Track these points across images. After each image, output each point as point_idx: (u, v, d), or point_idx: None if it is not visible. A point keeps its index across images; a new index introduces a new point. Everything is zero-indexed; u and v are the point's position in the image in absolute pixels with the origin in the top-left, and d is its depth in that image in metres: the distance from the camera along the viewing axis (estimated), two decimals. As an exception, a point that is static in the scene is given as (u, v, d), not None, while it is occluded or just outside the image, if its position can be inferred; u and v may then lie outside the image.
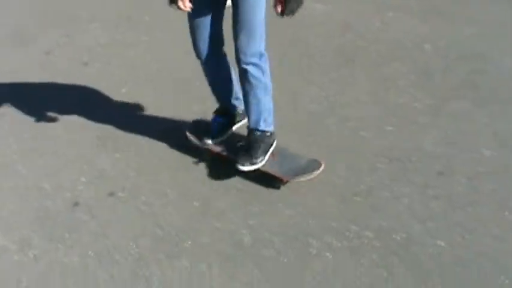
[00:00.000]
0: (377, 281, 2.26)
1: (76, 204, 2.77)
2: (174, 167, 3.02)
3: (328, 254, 2.40)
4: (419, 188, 2.73)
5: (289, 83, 3.66)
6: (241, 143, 2.87)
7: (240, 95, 2.88)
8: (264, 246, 2.46)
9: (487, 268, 2.28)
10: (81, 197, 2.82)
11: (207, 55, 2.75)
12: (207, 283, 2.30)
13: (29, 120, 3.42)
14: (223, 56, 2.83)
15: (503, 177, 2.80)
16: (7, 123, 3.44)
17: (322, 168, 2.76)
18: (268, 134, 2.80)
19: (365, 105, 3.43)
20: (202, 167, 2.99)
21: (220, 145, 2.94)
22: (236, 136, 2.98)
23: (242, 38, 2.55)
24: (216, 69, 2.85)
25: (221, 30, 2.72)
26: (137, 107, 3.53)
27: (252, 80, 2.65)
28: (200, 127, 3.05)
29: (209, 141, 2.94)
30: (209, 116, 3.01)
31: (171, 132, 3.25)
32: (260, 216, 2.64)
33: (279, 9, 2.46)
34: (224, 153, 2.91)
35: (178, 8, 2.51)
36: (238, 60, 2.62)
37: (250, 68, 2.62)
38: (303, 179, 2.73)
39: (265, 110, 2.76)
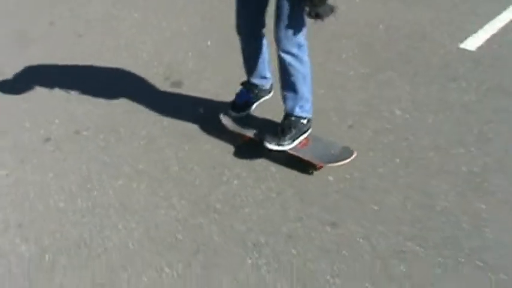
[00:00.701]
0: (267, 199, 2.80)
1: (47, 139, 3.39)
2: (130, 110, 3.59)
3: (236, 181, 2.95)
4: (330, 138, 3.15)
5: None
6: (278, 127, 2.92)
7: (268, 75, 3.05)
8: (186, 173, 3.03)
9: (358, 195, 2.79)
10: (53, 134, 3.44)
11: (246, 33, 2.88)
12: (135, 196, 2.88)
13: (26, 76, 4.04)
14: (261, 37, 2.90)
15: (404, 133, 3.25)
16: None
17: (354, 156, 2.88)
18: (304, 121, 2.87)
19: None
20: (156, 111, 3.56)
21: (255, 130, 3.06)
22: (271, 122, 3.10)
23: (281, 26, 2.58)
24: (251, 47, 2.93)
25: (265, 12, 2.78)
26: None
27: (289, 68, 2.70)
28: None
29: (232, 112, 3.12)
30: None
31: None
32: (189, 151, 3.20)
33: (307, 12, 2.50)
34: (257, 138, 3.01)
35: None
36: (277, 48, 2.66)
37: (287, 57, 2.66)
38: (335, 164, 2.85)
39: (302, 99, 2.82)
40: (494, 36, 4.27)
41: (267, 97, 3.15)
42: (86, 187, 2.97)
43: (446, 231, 2.57)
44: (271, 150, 2.87)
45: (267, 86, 3.13)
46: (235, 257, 2.49)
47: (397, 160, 3.02)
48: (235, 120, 3.15)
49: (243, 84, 3.13)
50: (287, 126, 2.85)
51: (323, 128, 3.18)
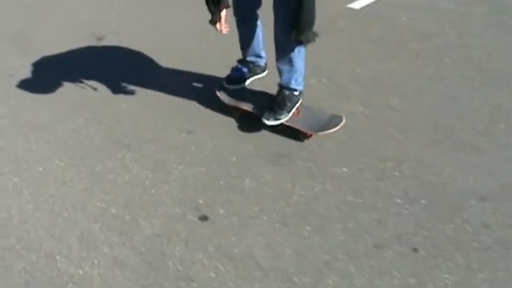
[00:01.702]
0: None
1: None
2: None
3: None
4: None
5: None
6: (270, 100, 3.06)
7: (262, 54, 3.17)
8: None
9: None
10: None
11: (242, 15, 3.00)
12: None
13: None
14: (256, 18, 3.02)
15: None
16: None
17: (343, 123, 2.99)
18: (297, 93, 3.00)
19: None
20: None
21: (250, 103, 3.17)
22: (265, 95, 3.23)
23: (280, 6, 2.71)
24: (246, 27, 3.05)
25: (260, 2, 2.93)
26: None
27: (285, 43, 2.80)
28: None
29: (227, 86, 3.21)
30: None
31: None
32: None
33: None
34: (253, 111, 3.13)
35: (216, 29, 2.84)
36: (275, 26, 2.78)
37: (284, 35, 2.73)
38: (325, 132, 2.96)
39: (297, 71, 2.94)
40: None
41: (261, 75, 3.26)
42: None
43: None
44: (270, 126, 2.99)
45: (262, 64, 3.24)
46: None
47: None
48: (230, 94, 3.23)
49: (238, 61, 3.23)
50: (282, 100, 2.97)
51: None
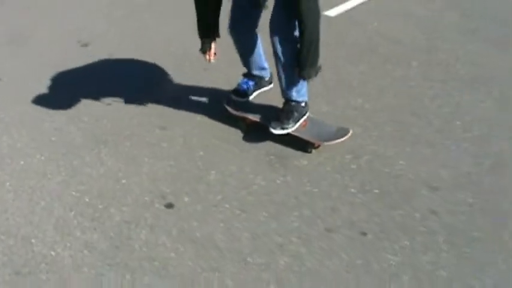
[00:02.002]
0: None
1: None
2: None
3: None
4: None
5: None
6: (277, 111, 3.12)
7: (266, 65, 3.24)
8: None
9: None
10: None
11: (242, 30, 3.04)
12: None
13: None
14: (256, 32, 3.09)
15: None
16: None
17: (350, 134, 3.06)
18: (303, 104, 3.05)
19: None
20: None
21: (257, 114, 3.24)
22: (272, 107, 3.28)
23: (278, 18, 2.79)
24: (248, 42, 3.11)
25: (258, 7, 2.96)
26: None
27: (284, 56, 2.86)
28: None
29: (234, 98, 3.30)
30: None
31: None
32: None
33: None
34: (260, 120, 3.21)
35: (205, 58, 3.04)
36: (272, 37, 2.83)
37: (282, 46, 2.82)
38: (332, 142, 3.04)
39: (298, 83, 2.97)
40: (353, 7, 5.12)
41: (267, 88, 3.37)
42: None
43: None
44: (277, 134, 3.06)
45: (267, 76, 3.34)
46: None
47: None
48: (238, 105, 3.33)
49: (244, 74, 3.33)
50: (289, 110, 3.03)
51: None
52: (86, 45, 4.59)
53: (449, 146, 3.16)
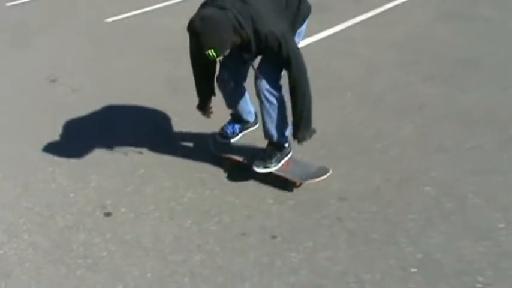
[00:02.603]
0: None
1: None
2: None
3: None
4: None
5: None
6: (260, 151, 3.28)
7: (252, 109, 3.35)
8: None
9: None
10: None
11: (231, 84, 3.14)
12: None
13: None
14: (242, 87, 3.24)
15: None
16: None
17: (329, 173, 3.24)
18: (286, 145, 3.20)
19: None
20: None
21: (241, 154, 3.41)
22: (256, 148, 3.47)
23: (266, 67, 2.94)
24: (236, 94, 3.26)
25: (247, 71, 3.15)
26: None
27: (267, 103, 2.98)
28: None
29: (219, 139, 3.45)
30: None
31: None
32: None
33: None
34: (243, 161, 3.38)
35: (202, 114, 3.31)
36: (257, 84, 2.95)
37: (266, 94, 2.95)
38: (312, 181, 3.23)
39: (281, 126, 3.11)
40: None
41: (253, 128, 3.50)
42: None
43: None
44: (259, 173, 3.21)
45: (252, 118, 3.47)
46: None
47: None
48: (223, 146, 3.52)
49: (232, 115, 3.46)
50: (272, 151, 3.18)
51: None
52: (54, 80, 5.07)
53: (366, 165, 3.55)
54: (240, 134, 3.49)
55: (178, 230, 3.02)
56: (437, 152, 3.64)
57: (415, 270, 2.65)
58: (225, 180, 3.45)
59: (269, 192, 3.31)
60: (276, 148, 3.19)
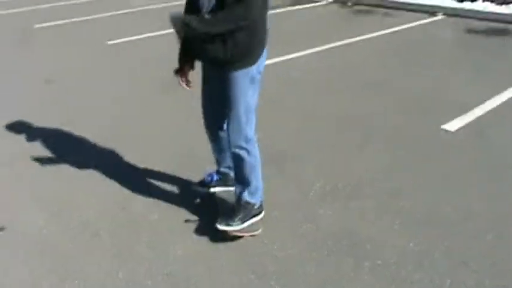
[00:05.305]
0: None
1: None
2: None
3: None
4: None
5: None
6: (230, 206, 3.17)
7: (232, 165, 3.11)
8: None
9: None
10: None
11: (213, 128, 3.12)
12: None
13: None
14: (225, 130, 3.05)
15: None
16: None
17: (260, 230, 3.10)
18: (255, 205, 3.06)
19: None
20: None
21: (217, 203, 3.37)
22: (228, 201, 3.35)
23: (229, 122, 2.88)
24: (218, 139, 3.17)
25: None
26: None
27: (238, 160, 2.93)
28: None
29: (195, 187, 3.44)
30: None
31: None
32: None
33: None
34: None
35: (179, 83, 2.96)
36: (227, 141, 2.94)
37: (235, 150, 2.90)
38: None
39: (250, 186, 3.02)
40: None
41: (231, 188, 3.28)
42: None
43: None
44: (220, 230, 3.04)
45: (233, 176, 3.23)
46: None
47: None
48: (198, 194, 3.53)
49: (216, 165, 3.39)
50: (237, 209, 3.04)
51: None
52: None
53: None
54: (219, 188, 3.43)
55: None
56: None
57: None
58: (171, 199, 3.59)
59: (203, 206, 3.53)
60: (241, 207, 3.06)
